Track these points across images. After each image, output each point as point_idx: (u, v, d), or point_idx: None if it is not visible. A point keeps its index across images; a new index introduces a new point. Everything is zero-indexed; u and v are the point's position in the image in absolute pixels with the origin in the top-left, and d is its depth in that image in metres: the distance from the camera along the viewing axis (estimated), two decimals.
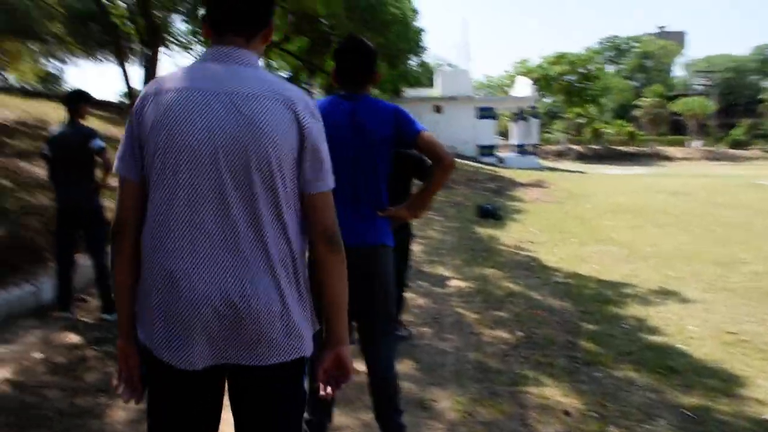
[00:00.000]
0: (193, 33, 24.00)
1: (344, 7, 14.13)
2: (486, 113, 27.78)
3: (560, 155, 40.64)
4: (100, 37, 21.74)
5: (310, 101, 1.61)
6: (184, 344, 1.52)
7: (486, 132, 27.86)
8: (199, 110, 1.49)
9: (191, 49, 26.51)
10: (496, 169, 24.02)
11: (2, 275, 5.30)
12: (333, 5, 13.33)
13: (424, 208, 3.47)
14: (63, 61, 30.38)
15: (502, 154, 30.07)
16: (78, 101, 4.95)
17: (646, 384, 3.95)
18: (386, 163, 2.66)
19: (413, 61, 22.77)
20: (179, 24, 24.44)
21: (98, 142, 4.86)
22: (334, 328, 1.69)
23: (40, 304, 5.17)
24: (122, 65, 12.19)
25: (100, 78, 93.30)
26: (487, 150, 27.55)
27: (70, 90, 4.88)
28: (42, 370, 4.03)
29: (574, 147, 43.09)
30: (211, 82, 1.52)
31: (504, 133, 39.69)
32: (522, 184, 19.01)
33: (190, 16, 21.68)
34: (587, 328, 5.12)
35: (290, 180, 1.55)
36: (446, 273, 6.86)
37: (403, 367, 4.11)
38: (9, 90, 19.56)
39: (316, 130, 1.59)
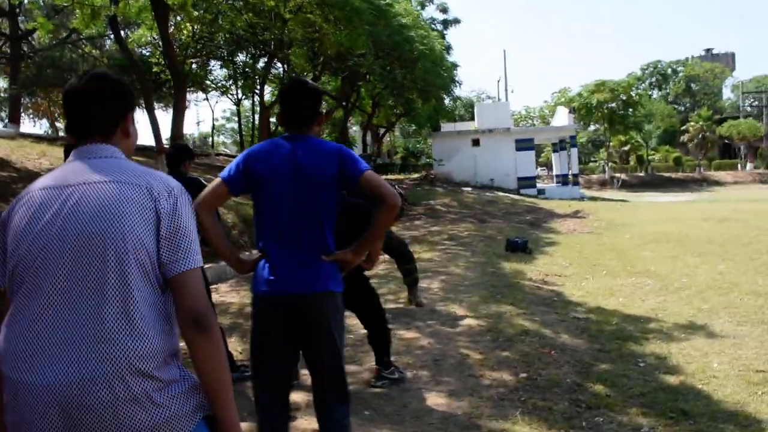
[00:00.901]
0: (229, 77, 24.71)
1: (371, 44, 14.26)
2: (524, 145, 27.42)
3: (604, 184, 39.77)
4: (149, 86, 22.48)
5: (168, 182, 1.62)
6: None
7: (525, 164, 27.47)
8: (49, 206, 1.54)
9: (231, 92, 27.30)
10: (536, 200, 23.57)
11: None
12: (358, 44, 13.46)
13: (371, 250, 3.45)
14: None
15: (543, 185, 29.60)
16: (184, 156, 4.81)
17: (652, 430, 3.62)
18: (331, 205, 2.57)
19: (448, 96, 22.72)
20: (218, 70, 25.23)
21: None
22: (219, 416, 1.58)
23: None
24: (150, 112, 12.43)
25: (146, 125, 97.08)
26: (527, 182, 27.13)
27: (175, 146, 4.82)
28: None
29: (619, 175, 42.12)
30: (65, 178, 1.59)
31: (549, 164, 39.19)
32: (560, 215, 18.56)
33: (226, 62, 22.32)
34: (599, 368, 4.80)
35: (145, 261, 1.53)
36: (460, 311, 6.61)
37: (389, 412, 3.90)
38: (58, 139, 20.48)
39: (173, 207, 1.57)
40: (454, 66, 22.96)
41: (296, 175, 2.50)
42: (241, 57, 22.40)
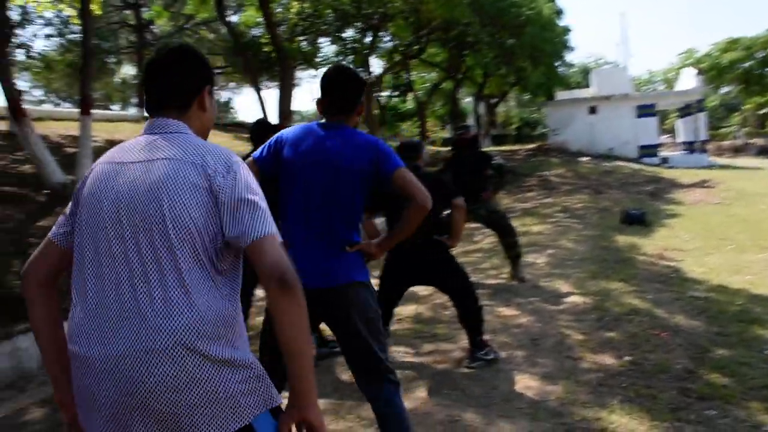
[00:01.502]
0: (340, 53, 24.92)
1: (472, 11, 13.76)
2: (646, 111, 25.61)
3: (737, 151, 36.48)
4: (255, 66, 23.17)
5: (227, 158, 1.59)
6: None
7: (647, 131, 25.69)
8: (107, 181, 1.56)
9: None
10: (659, 170, 22.06)
11: None
12: (456, 13, 13.02)
13: (454, 227, 3.93)
14: (232, 90, 33.14)
15: (667, 153, 27.65)
16: (265, 132, 4.97)
17: None
18: (361, 198, 2.50)
19: (560, 62, 21.62)
20: (328, 47, 25.50)
21: None
22: (294, 386, 1.50)
23: None
24: (257, 91, 12.78)
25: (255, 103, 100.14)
26: (649, 150, 25.38)
27: (257, 122, 4.92)
28: None
29: (756, 141, 38.54)
30: (127, 154, 1.60)
31: (674, 131, 36.56)
32: (685, 186, 17.26)
33: (335, 38, 22.50)
34: (716, 354, 4.36)
35: (194, 240, 1.50)
36: (565, 288, 6.27)
37: (477, 394, 3.74)
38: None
39: (232, 182, 1.54)
40: (566, 30, 21.72)
41: (322, 164, 2.45)
42: (349, 33, 22.52)
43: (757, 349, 4.49)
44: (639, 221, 10.48)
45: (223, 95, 34.33)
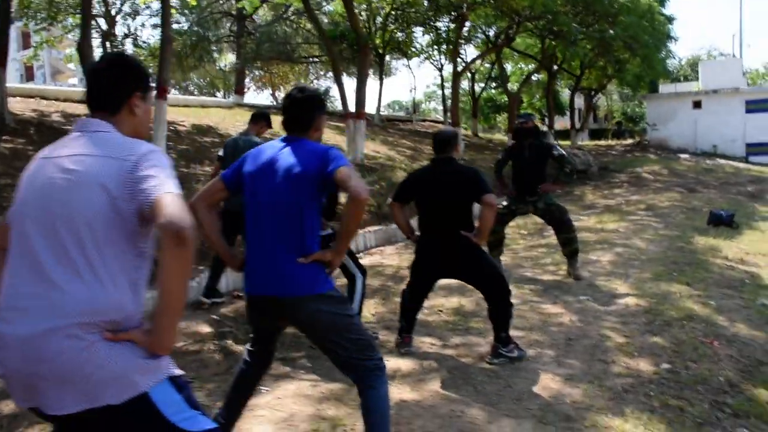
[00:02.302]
0: (434, 43, 24.75)
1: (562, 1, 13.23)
2: (757, 106, 23.67)
3: None
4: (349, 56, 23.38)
5: (136, 149, 1.74)
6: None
7: (758, 128, 23.77)
8: (33, 175, 1.77)
9: (434, 58, 27.43)
10: (767, 170, 20.45)
11: None
12: (539, 1, 12.49)
13: (481, 224, 3.94)
14: (327, 79, 33.62)
15: None
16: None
17: None
18: (312, 205, 2.51)
19: (661, 53, 20.37)
20: (422, 36, 25.39)
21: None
22: (156, 320, 1.64)
23: (196, 297, 5.65)
24: (338, 80, 12.89)
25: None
26: (758, 148, 23.50)
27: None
28: None
29: None
30: (56, 149, 1.78)
31: None
32: None
33: (427, 28, 22.35)
34: None
35: (99, 231, 1.65)
36: (622, 288, 5.93)
37: (489, 391, 3.61)
38: (272, 108, 22.36)
39: (134, 164, 1.68)
40: (670, 20, 20.40)
41: (272, 173, 2.52)
42: (444, 21, 22.27)
43: None
44: (726, 223, 9.75)
45: (321, 84, 34.98)
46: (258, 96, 36.73)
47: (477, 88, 27.86)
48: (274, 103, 33.04)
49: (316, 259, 2.50)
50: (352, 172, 2.43)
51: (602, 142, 30.97)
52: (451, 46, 22.77)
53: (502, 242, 6.86)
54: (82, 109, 11.68)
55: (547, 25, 16.57)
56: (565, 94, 38.39)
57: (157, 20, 23.17)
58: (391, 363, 4.15)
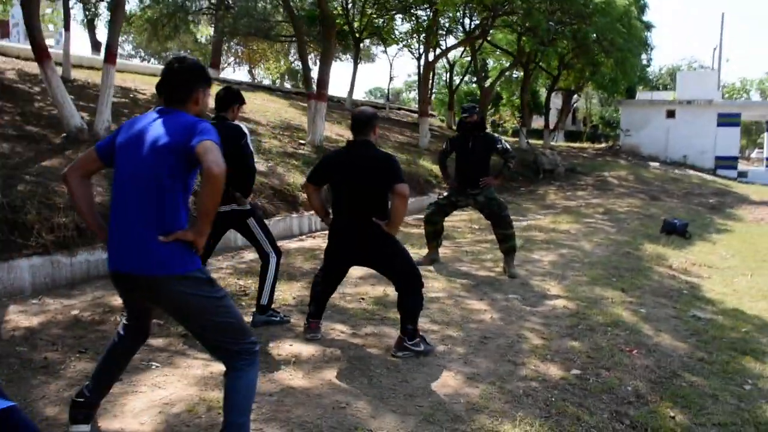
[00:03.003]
0: (414, 32, 24.40)
1: None
2: (728, 120, 23.83)
3: None
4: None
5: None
6: None
7: (727, 141, 23.95)
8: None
9: (412, 47, 27.08)
10: (732, 183, 20.61)
11: None
12: None
13: (393, 213, 3.76)
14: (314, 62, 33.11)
15: (746, 167, 25.83)
16: (231, 103, 4.43)
17: None
18: (174, 180, 2.34)
19: (635, 59, 20.24)
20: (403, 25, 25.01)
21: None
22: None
23: None
24: (303, 60, 12.60)
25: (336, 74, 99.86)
26: (726, 162, 23.68)
27: (225, 89, 4.46)
28: (63, 325, 4.22)
29: None
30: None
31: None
32: (754, 202, 16.01)
33: (408, 15, 22.00)
34: (684, 381, 3.87)
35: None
36: (554, 290, 5.79)
37: (384, 384, 3.42)
38: (257, 86, 21.92)
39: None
40: (648, 26, 20.32)
41: (143, 145, 2.39)
42: (423, 9, 21.94)
43: (736, 382, 3.97)
44: (679, 232, 9.72)
45: (298, 65, 34.38)
46: (236, 72, 35.95)
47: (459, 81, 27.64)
48: (251, 79, 32.55)
49: (177, 238, 2.35)
50: (214, 147, 2.26)
51: (575, 144, 31.03)
52: (432, 37, 22.52)
53: (440, 234, 6.68)
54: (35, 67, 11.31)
55: (522, 21, 16.36)
56: (544, 93, 38.36)
57: None
58: (294, 348, 3.96)
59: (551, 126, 26.53)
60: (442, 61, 25.76)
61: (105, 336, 4.03)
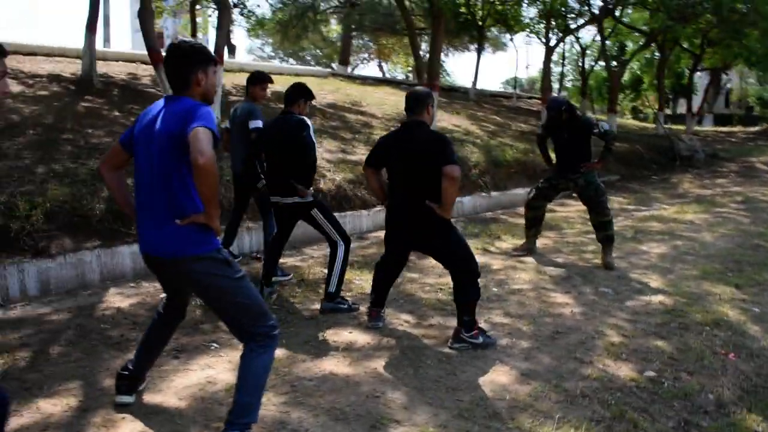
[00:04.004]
0: (541, 17, 23.46)
1: None
2: None
3: None
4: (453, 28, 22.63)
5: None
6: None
7: None
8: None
9: (538, 33, 26.10)
10: None
11: None
12: None
13: (444, 195, 3.57)
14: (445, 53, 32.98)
15: None
16: (297, 97, 4.57)
17: None
18: (184, 164, 2.39)
19: None
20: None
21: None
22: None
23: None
24: (414, 52, 12.54)
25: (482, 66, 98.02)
26: None
27: (293, 85, 4.64)
28: (149, 307, 4.48)
29: None
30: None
31: None
32: None
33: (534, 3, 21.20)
34: None
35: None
36: (655, 283, 5.30)
37: (430, 376, 3.29)
38: (381, 80, 22.27)
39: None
40: None
41: (152, 134, 2.47)
42: None
43: None
44: None
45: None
46: (366, 68, 36.61)
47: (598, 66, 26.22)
48: (381, 74, 33.02)
49: (192, 221, 2.43)
50: (203, 134, 2.27)
51: (724, 129, 28.43)
52: (559, 20, 21.58)
53: (540, 221, 6.37)
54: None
55: None
56: (696, 76, 35.51)
57: None
58: (351, 336, 3.94)
59: (694, 110, 24.44)
60: (575, 47, 24.61)
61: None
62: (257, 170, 4.88)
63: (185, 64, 2.52)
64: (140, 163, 2.54)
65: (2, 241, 4.89)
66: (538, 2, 22.00)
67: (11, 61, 9.96)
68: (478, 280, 3.75)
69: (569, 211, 9.42)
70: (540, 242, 6.94)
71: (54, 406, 2.99)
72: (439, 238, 3.70)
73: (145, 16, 8.18)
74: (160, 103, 2.56)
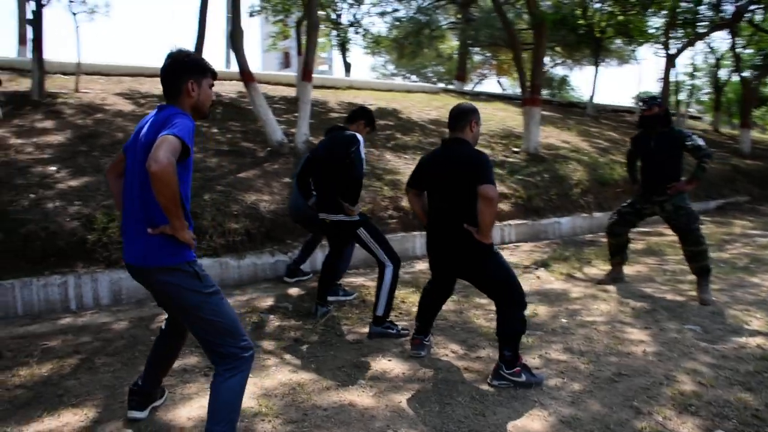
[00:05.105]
0: (667, 27, 22.00)
1: None
2: None
3: None
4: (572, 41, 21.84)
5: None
6: None
7: None
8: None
9: (662, 43, 24.50)
10: None
11: (269, 244, 6.12)
12: None
13: (481, 219, 3.29)
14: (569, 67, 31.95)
15: None
16: (357, 118, 4.63)
17: None
18: None
19: None
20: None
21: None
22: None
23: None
24: (518, 66, 12.13)
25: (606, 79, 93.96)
26: None
27: (356, 109, 4.68)
28: None
29: None
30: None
31: None
32: None
33: (654, 5, 19.94)
34: None
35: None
36: (757, 324, 4.62)
37: (453, 416, 3.01)
38: (494, 96, 21.90)
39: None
40: None
41: (136, 143, 2.49)
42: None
43: None
44: None
45: (557, 72, 33.18)
46: (483, 84, 36.07)
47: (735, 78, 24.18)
48: (501, 90, 32.43)
49: (162, 231, 2.40)
50: (166, 141, 2.23)
51: None
52: (688, 29, 20.18)
53: (625, 248, 5.82)
54: (283, 90, 12.64)
55: None
56: None
57: (380, 8, 24.14)
58: (388, 364, 3.74)
59: None
60: (709, 58, 22.80)
61: None
62: (310, 189, 4.79)
63: (176, 73, 2.52)
64: (127, 171, 2.56)
65: (79, 252, 5.16)
66: (664, 10, 20.72)
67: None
68: (524, 311, 3.41)
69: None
70: (634, 269, 6.37)
71: (74, 415, 3.03)
72: (477, 262, 3.41)
73: (236, 40, 8.45)
74: (152, 112, 2.57)
